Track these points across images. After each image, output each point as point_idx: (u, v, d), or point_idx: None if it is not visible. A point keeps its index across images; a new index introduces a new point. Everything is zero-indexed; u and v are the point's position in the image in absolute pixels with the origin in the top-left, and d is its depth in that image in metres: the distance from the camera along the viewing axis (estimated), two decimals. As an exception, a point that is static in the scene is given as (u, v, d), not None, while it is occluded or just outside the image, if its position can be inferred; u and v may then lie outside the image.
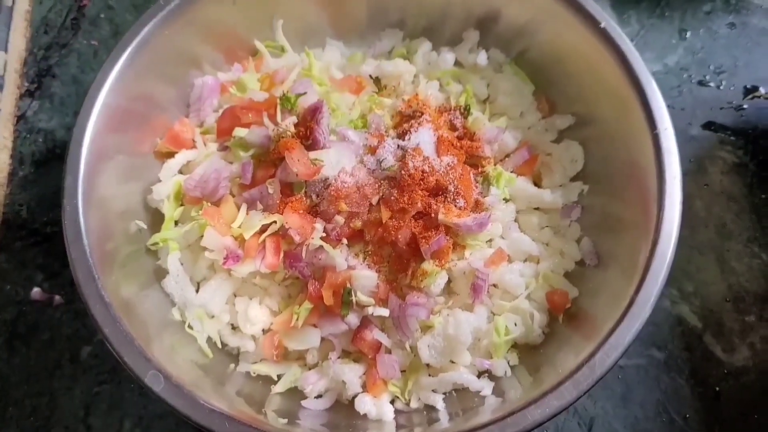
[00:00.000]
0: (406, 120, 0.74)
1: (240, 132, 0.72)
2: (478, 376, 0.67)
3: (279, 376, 0.68)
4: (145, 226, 0.71)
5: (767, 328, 0.75)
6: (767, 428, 0.71)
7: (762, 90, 0.89)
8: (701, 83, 0.90)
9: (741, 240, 0.80)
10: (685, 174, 0.76)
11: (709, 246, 0.80)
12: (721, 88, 0.90)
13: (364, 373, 0.67)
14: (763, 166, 0.85)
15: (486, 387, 0.66)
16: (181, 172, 0.74)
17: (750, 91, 0.89)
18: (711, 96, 0.90)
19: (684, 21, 0.95)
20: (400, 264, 0.67)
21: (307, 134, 0.69)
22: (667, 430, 0.71)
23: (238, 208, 0.69)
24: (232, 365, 0.69)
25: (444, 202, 0.68)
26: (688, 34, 0.94)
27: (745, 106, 0.89)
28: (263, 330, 0.69)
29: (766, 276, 0.78)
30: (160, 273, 0.71)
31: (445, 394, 0.67)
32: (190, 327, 0.68)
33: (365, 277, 0.65)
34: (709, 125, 0.87)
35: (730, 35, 0.94)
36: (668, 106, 0.65)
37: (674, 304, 0.77)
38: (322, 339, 0.67)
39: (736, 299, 0.76)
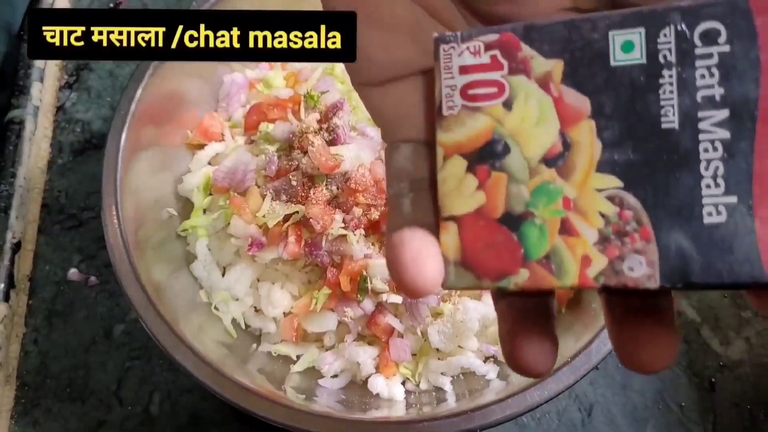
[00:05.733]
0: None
1: (266, 127, 0.76)
2: (484, 361, 0.71)
3: (298, 357, 0.73)
4: (176, 214, 0.76)
5: (762, 323, 0.78)
6: (759, 418, 0.74)
7: None
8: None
9: (742, 239, 0.83)
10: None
11: (710, 244, 0.82)
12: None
13: (377, 356, 0.71)
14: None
15: (491, 371, 0.70)
16: (210, 163, 0.79)
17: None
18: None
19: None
20: (414, 254, 0.71)
21: (329, 130, 0.74)
22: (663, 418, 0.75)
23: (263, 199, 0.73)
24: (255, 345, 0.74)
25: (456, 196, 0.71)
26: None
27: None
28: (284, 313, 0.73)
29: (764, 274, 0.80)
30: (189, 258, 0.75)
31: (452, 377, 0.71)
32: (216, 309, 0.73)
33: (381, 266, 0.69)
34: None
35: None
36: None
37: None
38: (339, 322, 0.71)
39: (734, 295, 0.80)
